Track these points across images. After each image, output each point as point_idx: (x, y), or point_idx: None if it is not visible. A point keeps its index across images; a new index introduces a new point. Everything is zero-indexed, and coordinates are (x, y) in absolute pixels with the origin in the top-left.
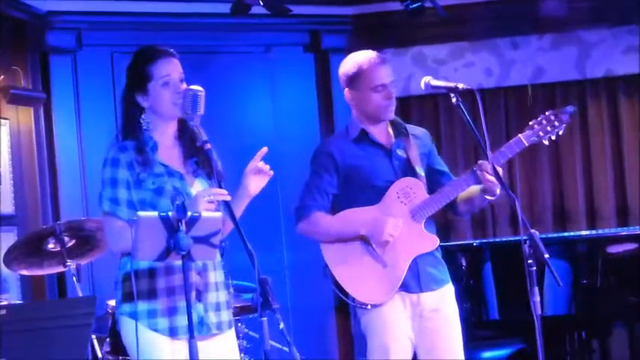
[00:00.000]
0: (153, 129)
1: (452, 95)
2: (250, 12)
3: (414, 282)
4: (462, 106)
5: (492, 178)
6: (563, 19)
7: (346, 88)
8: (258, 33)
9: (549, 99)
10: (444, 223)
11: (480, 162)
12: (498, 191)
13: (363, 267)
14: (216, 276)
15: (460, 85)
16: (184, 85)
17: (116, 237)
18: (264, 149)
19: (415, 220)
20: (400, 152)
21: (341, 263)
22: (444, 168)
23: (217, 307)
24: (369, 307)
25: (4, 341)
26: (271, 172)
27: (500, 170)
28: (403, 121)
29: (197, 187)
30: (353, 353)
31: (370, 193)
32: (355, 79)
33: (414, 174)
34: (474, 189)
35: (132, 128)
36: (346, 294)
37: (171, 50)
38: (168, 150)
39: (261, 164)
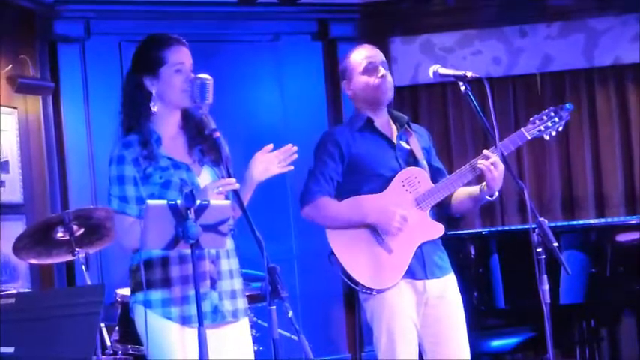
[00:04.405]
0: (157, 118)
1: (460, 84)
2: (258, 0)
3: (420, 269)
4: (470, 95)
5: (493, 169)
6: (571, 7)
7: (343, 81)
8: (266, 22)
9: (558, 87)
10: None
11: (497, 144)
12: (497, 194)
13: (369, 253)
14: (229, 263)
15: (469, 74)
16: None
17: (127, 234)
18: (270, 146)
19: (420, 208)
20: (403, 144)
21: (347, 249)
22: (441, 166)
23: (233, 295)
24: (374, 292)
25: (13, 329)
26: (289, 168)
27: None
28: (410, 113)
29: (204, 175)
30: (361, 341)
31: (374, 182)
32: (347, 67)
33: (417, 165)
34: (473, 189)
35: (137, 116)
36: (352, 280)
37: (183, 40)
38: (172, 141)
39: (278, 156)
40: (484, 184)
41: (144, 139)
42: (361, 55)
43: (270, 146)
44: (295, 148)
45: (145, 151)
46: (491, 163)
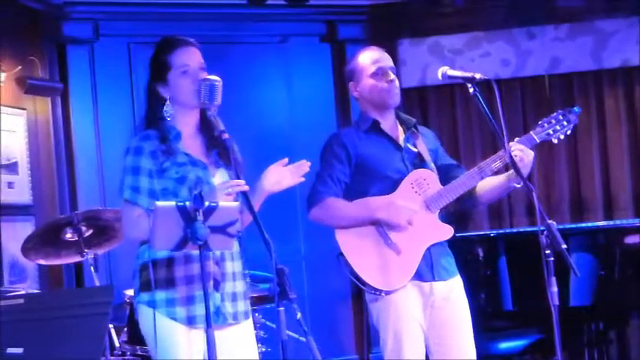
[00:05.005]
0: (175, 120)
1: (469, 85)
2: (267, 2)
3: (428, 271)
4: (479, 97)
5: (524, 157)
6: (580, 9)
7: (350, 82)
8: (274, 23)
9: (566, 89)
10: (461, 213)
11: (506, 146)
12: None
13: (378, 254)
14: (233, 266)
15: (477, 75)
16: (205, 74)
17: (133, 225)
18: (285, 160)
19: (430, 210)
20: (410, 146)
21: (356, 250)
22: (452, 161)
23: (234, 298)
24: (382, 294)
25: (21, 330)
26: (301, 179)
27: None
28: (418, 114)
29: (219, 177)
30: (369, 342)
31: (382, 184)
32: (355, 69)
33: (424, 167)
34: (498, 178)
35: (153, 119)
36: (360, 280)
37: (191, 40)
38: (190, 140)
39: (292, 170)
40: (511, 171)
41: (162, 135)
42: (370, 58)
43: (285, 160)
44: (309, 164)
45: (164, 145)
46: (520, 150)
